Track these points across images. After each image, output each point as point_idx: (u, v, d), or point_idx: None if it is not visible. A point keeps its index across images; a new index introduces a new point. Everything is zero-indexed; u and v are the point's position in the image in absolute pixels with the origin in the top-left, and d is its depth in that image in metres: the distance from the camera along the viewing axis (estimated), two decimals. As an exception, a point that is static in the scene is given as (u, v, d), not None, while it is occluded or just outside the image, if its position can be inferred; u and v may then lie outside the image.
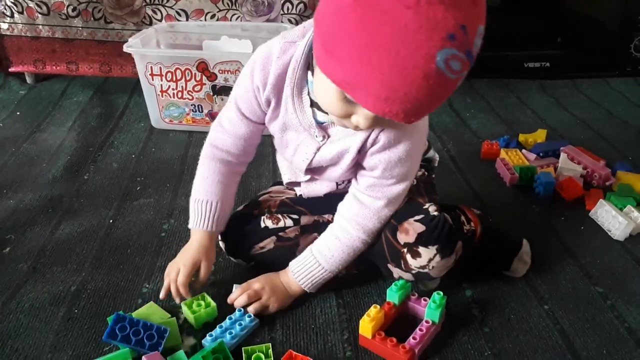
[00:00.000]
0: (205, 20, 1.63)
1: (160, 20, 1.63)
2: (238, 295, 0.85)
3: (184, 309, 0.83)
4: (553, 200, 1.16)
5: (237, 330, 0.80)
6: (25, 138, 1.44)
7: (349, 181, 0.87)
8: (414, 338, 0.77)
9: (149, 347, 0.74)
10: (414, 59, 0.54)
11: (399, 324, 0.83)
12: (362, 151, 0.79)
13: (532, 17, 1.92)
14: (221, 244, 0.93)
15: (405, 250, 0.81)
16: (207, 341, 0.79)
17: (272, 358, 0.76)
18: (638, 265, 0.97)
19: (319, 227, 0.90)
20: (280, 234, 0.91)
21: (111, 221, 1.09)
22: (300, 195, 0.94)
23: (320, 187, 0.90)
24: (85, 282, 0.92)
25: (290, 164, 0.89)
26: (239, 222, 0.92)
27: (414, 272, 0.82)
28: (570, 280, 0.94)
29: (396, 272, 0.85)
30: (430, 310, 0.81)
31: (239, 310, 0.83)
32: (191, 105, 1.44)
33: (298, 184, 0.92)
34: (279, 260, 0.90)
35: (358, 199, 0.83)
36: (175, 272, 0.85)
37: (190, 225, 0.88)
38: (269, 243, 0.90)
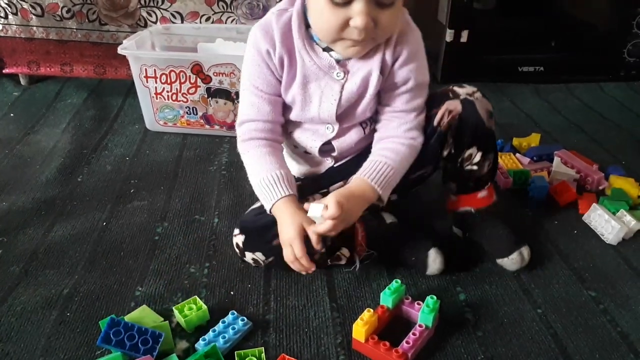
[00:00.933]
0: (200, 22, 1.62)
1: (155, 23, 1.62)
2: (330, 220, 0.79)
3: (175, 312, 0.83)
4: (546, 204, 1.16)
5: (230, 334, 0.80)
6: (18, 140, 1.43)
7: (371, 122, 0.93)
8: (407, 342, 0.77)
9: (143, 351, 0.74)
10: None
11: (393, 327, 0.83)
12: (385, 72, 0.85)
13: (526, 21, 1.93)
14: (240, 237, 0.92)
15: (450, 87, 0.92)
16: (200, 345, 0.78)
17: (265, 362, 0.75)
18: (631, 269, 0.98)
19: None
20: None
21: (104, 224, 1.08)
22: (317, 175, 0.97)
23: (350, 137, 0.93)
24: (78, 285, 0.92)
25: (317, 120, 0.90)
26: (263, 215, 0.89)
27: (461, 97, 0.90)
28: (563, 284, 0.94)
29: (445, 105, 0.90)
30: (423, 314, 0.81)
31: (232, 314, 0.83)
32: (186, 107, 1.44)
33: (330, 143, 0.93)
34: None
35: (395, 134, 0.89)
36: (292, 254, 0.82)
37: (267, 206, 0.86)
38: None
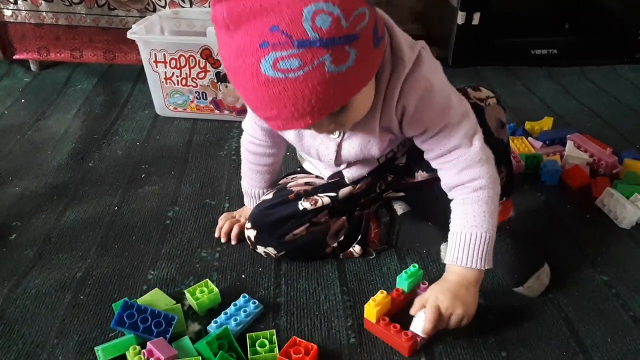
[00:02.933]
0: (209, 6, 1.61)
1: (164, 7, 1.62)
2: (430, 328, 0.75)
3: (187, 295, 0.84)
4: (559, 189, 1.15)
5: (241, 316, 0.80)
6: (30, 125, 1.44)
7: (388, 153, 0.87)
8: (418, 325, 0.77)
9: (156, 334, 0.75)
10: (251, 79, 0.59)
11: (406, 311, 0.83)
12: (395, 130, 0.77)
13: (539, 3, 1.89)
14: (251, 232, 0.92)
15: (465, 87, 0.83)
16: (212, 327, 0.79)
17: (276, 344, 0.76)
18: (644, 253, 0.97)
19: (349, 205, 0.93)
20: (313, 219, 0.90)
21: (116, 208, 1.09)
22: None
23: (362, 169, 0.89)
24: (91, 268, 0.93)
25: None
26: (274, 210, 0.90)
27: (471, 101, 0.80)
28: (575, 268, 0.93)
29: None
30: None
31: (243, 297, 0.84)
32: (195, 92, 1.44)
33: (340, 172, 0.91)
34: (308, 246, 0.91)
35: (448, 174, 0.79)
36: (229, 227, 0.98)
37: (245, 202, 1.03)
38: (302, 230, 0.89)
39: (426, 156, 0.81)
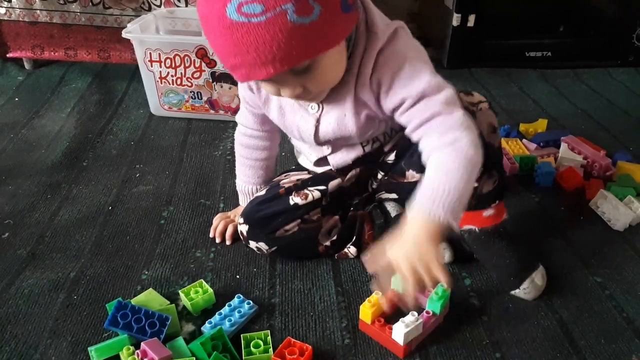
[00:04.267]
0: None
1: (159, 6, 1.61)
2: (413, 291, 0.69)
3: (182, 295, 0.83)
4: (553, 190, 1.16)
5: (236, 317, 0.80)
6: (23, 124, 1.43)
7: (374, 141, 0.88)
8: (412, 327, 0.77)
9: (150, 334, 0.74)
10: (217, 24, 0.62)
11: (401, 312, 0.83)
12: (372, 106, 0.78)
13: (534, 5, 1.90)
14: (244, 227, 0.91)
15: (457, 92, 0.78)
16: (206, 328, 0.79)
17: (271, 345, 0.76)
18: (637, 255, 0.98)
19: (341, 205, 0.94)
20: (305, 216, 0.90)
21: (110, 208, 1.09)
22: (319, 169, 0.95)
23: (347, 155, 0.90)
24: (85, 268, 0.92)
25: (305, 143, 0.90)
26: (266, 205, 0.91)
27: (463, 105, 0.77)
28: (569, 269, 0.94)
29: None
30: (431, 301, 0.80)
31: (238, 297, 0.83)
32: (190, 92, 1.44)
33: (325, 159, 0.92)
34: (300, 243, 0.91)
35: (431, 137, 0.75)
36: (225, 226, 0.99)
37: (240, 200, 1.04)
38: (293, 226, 0.90)
39: (408, 131, 0.78)
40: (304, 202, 0.90)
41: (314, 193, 0.91)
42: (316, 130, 0.83)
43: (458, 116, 0.74)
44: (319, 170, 0.95)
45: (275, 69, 0.64)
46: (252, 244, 0.92)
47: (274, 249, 0.91)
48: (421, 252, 0.68)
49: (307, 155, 0.94)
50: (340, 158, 0.90)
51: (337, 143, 0.87)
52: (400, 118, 0.78)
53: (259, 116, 0.92)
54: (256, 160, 0.98)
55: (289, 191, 0.91)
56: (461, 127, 0.73)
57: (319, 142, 0.85)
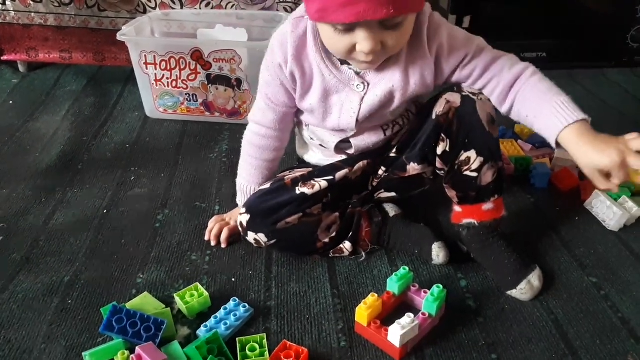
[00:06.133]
0: (200, 8, 1.61)
1: (155, 9, 1.61)
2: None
3: (177, 299, 0.83)
4: (548, 191, 1.16)
5: (231, 320, 0.80)
6: (18, 127, 1.43)
7: (394, 125, 0.92)
8: (408, 329, 0.77)
9: (145, 339, 0.74)
10: None
11: (397, 314, 0.83)
12: (423, 74, 0.83)
13: (528, 6, 1.91)
14: (244, 217, 0.91)
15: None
16: (202, 332, 0.79)
17: (267, 348, 0.76)
18: (632, 255, 0.98)
19: (342, 201, 0.96)
20: (307, 210, 0.90)
21: (105, 211, 1.08)
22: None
23: (369, 138, 0.92)
24: (79, 272, 0.92)
25: (337, 128, 0.90)
26: (271, 196, 0.91)
27: (464, 93, 0.84)
28: (565, 270, 0.94)
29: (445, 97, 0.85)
30: (427, 302, 0.80)
31: (233, 300, 0.83)
32: (186, 94, 1.43)
33: (347, 141, 0.92)
34: (299, 237, 0.91)
35: (501, 79, 0.84)
36: (220, 230, 0.98)
37: (238, 200, 1.03)
38: (295, 219, 0.90)
39: (472, 81, 0.85)
40: (311, 191, 0.90)
41: (321, 183, 0.91)
42: (359, 108, 0.85)
43: (511, 55, 0.86)
44: (333, 159, 0.95)
45: (392, 11, 0.68)
46: (251, 236, 0.92)
47: (272, 241, 0.91)
48: (610, 143, 0.75)
49: (327, 141, 0.94)
50: (362, 140, 0.92)
51: (365, 125, 0.89)
52: (462, 72, 0.84)
53: (279, 113, 0.92)
54: (264, 161, 0.97)
55: (296, 182, 0.91)
56: (519, 60, 0.85)
57: (357, 121, 0.87)
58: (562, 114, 0.78)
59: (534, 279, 0.88)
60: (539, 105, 0.80)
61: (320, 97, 0.86)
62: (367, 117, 0.87)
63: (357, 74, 0.84)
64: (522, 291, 0.87)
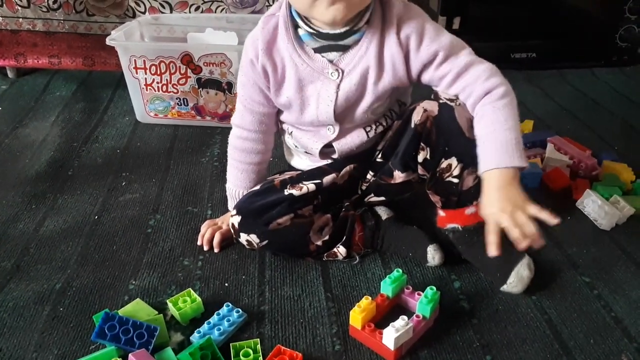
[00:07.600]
0: (190, 12, 1.60)
1: (144, 13, 1.60)
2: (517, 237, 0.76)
3: (170, 305, 0.82)
4: (540, 191, 1.16)
5: (225, 326, 0.79)
6: (7, 134, 1.41)
7: (377, 126, 0.91)
8: (402, 331, 0.77)
9: (138, 345, 0.73)
10: None
11: (391, 316, 0.82)
12: (399, 66, 0.82)
13: (518, 7, 1.92)
14: (236, 218, 0.91)
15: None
16: (195, 337, 0.78)
17: (261, 354, 0.75)
18: (624, 254, 0.98)
19: (333, 204, 0.96)
20: (298, 211, 0.90)
21: (96, 217, 1.07)
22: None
23: (352, 141, 0.92)
24: (71, 279, 0.91)
25: (316, 123, 0.90)
26: (261, 197, 0.91)
27: (441, 100, 0.84)
28: (557, 270, 0.94)
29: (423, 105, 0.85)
30: (421, 305, 0.80)
31: (227, 305, 0.83)
32: (176, 98, 1.43)
33: (330, 146, 0.92)
34: (292, 239, 0.91)
35: (466, 89, 0.83)
36: (212, 234, 0.98)
37: (229, 205, 1.03)
38: (286, 220, 0.90)
39: (443, 86, 0.84)
40: (299, 193, 0.90)
41: (309, 186, 0.91)
42: (336, 97, 0.85)
43: (489, 65, 0.84)
44: (319, 164, 0.95)
45: None
46: (243, 237, 0.92)
47: (265, 242, 0.91)
48: (513, 201, 0.76)
49: (310, 147, 0.94)
50: (345, 144, 0.92)
51: (348, 116, 0.89)
52: (435, 72, 0.83)
53: (257, 114, 0.93)
54: (249, 164, 0.98)
55: (284, 184, 0.92)
56: (497, 73, 0.83)
57: (337, 110, 0.87)
58: (500, 153, 0.78)
59: (523, 268, 0.87)
60: (487, 134, 0.80)
61: (296, 89, 0.87)
62: (345, 109, 0.87)
63: (331, 61, 0.84)
64: (512, 285, 0.87)
